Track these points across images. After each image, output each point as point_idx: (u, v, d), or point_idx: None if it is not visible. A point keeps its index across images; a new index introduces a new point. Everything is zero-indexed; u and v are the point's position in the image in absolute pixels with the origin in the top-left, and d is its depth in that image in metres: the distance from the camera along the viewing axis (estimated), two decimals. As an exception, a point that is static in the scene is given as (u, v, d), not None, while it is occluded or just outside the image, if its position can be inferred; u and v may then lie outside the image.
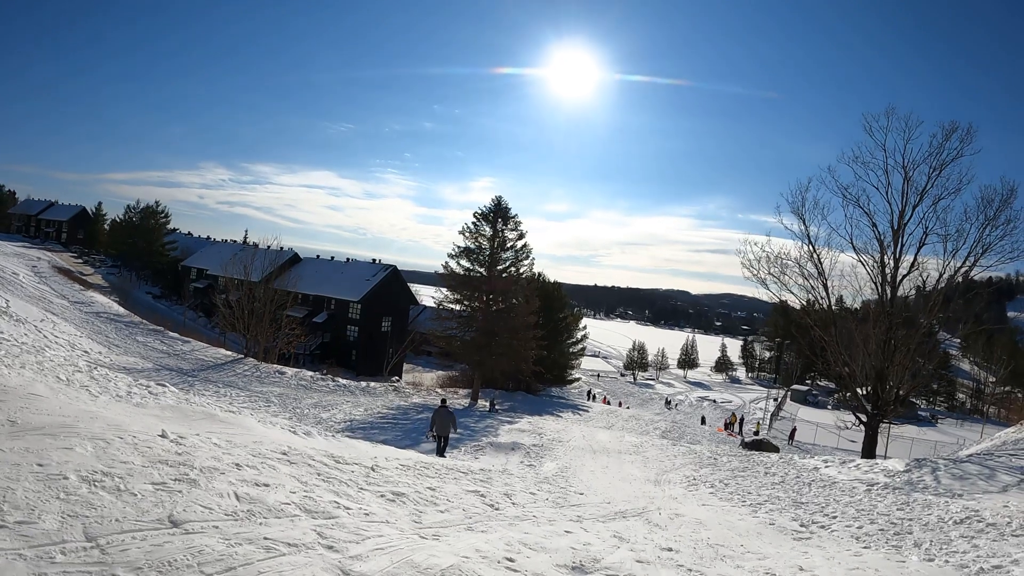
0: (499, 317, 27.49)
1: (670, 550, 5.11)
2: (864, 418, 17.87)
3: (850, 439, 31.32)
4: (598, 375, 63.76)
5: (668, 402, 47.58)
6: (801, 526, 7.24)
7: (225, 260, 34.35)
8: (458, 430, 14.23)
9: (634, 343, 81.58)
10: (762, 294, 19.32)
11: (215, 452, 4.10)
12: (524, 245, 28.37)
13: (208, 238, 61.34)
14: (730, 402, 54.59)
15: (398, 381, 34.62)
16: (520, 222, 28.26)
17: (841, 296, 19.05)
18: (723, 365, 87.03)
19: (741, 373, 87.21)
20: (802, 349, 36.75)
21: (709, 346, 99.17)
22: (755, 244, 18.91)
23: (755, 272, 18.70)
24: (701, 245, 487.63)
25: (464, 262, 28.04)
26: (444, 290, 28.87)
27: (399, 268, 46.62)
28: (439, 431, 12.59)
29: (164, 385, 8.89)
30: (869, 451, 17.52)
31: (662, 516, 7.19)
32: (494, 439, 16.39)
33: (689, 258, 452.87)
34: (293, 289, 32.63)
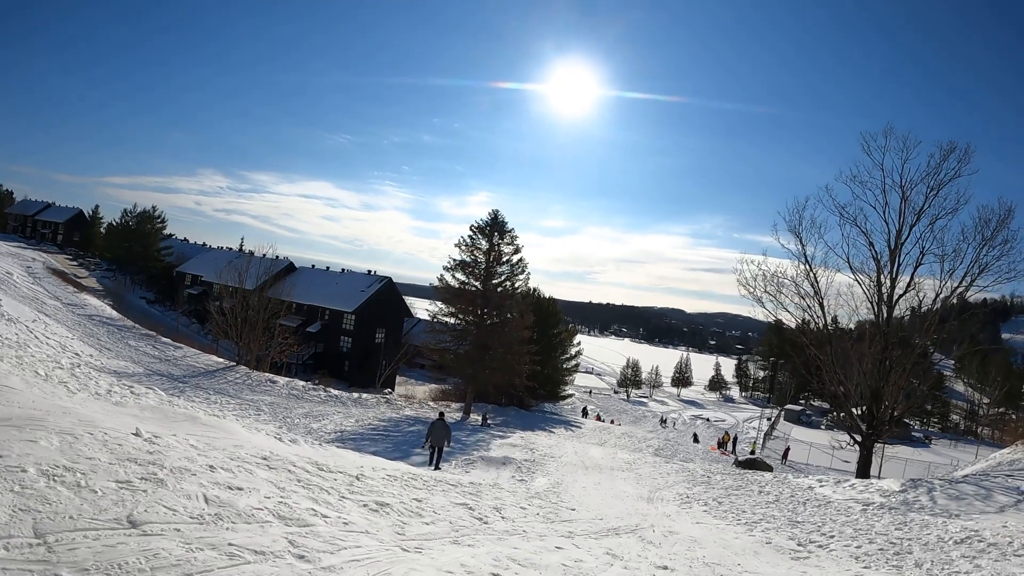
0: (493, 331, 27.28)
1: (665, 568, 4.91)
2: (859, 438, 17.75)
3: (843, 459, 31.13)
4: (591, 391, 63.35)
5: (663, 420, 47.04)
6: (799, 545, 7.05)
7: (220, 267, 34.02)
8: (451, 444, 14.10)
9: (628, 360, 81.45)
10: (758, 312, 19.43)
11: (190, 453, 3.91)
12: (520, 260, 28.28)
13: (204, 245, 61.01)
14: (723, 421, 54.23)
15: (390, 393, 34.21)
16: (516, 236, 28.18)
17: (836, 316, 19.05)
18: (717, 384, 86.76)
19: (735, 392, 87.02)
20: (797, 368, 36.70)
21: (703, 365, 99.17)
22: (752, 262, 19.01)
23: (751, 290, 18.74)
24: (696, 264, 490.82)
25: (459, 275, 27.89)
26: (439, 303, 28.72)
27: (394, 280, 46.43)
28: (435, 442, 12.77)
29: (152, 389, 8.66)
30: (864, 471, 17.36)
31: (656, 533, 6.98)
32: (485, 453, 16.11)
33: (684, 276, 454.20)
34: (287, 298, 32.31)
